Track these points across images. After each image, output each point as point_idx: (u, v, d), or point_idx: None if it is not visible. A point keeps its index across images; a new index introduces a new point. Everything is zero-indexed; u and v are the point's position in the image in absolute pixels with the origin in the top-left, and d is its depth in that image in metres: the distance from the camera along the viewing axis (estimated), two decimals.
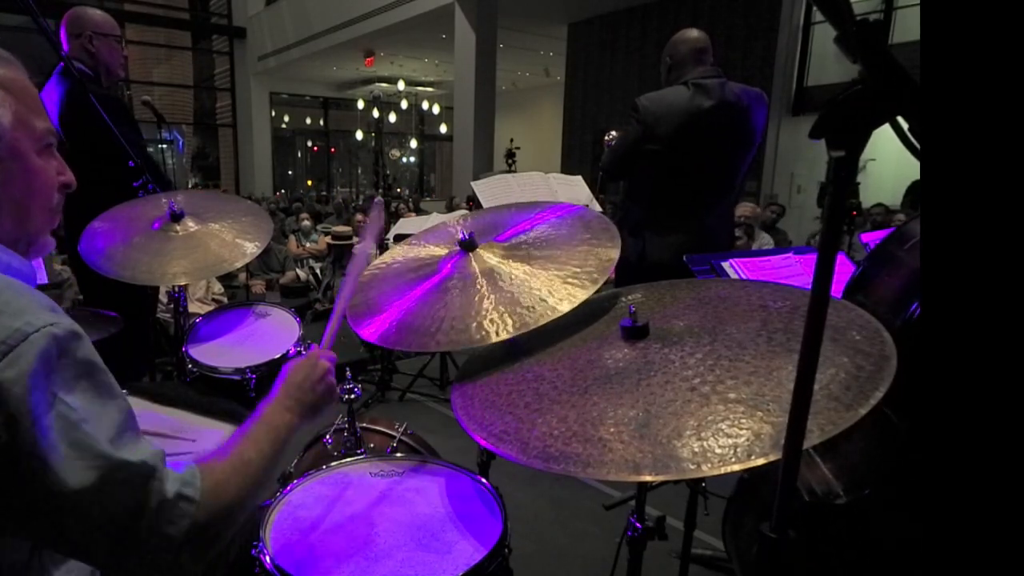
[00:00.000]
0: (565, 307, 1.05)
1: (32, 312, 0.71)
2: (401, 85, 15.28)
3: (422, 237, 1.46)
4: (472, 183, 3.17)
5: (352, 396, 1.48)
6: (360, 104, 16.42)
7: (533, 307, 1.07)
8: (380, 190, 5.04)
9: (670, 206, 2.59)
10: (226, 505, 0.79)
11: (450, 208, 8.52)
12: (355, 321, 1.23)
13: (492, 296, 1.13)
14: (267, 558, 1.00)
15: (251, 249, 1.84)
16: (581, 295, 1.07)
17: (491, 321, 1.07)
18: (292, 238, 7.49)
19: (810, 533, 1.03)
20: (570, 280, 1.11)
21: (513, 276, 1.16)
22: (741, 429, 0.76)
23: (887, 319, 0.93)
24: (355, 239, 5.62)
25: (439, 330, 1.10)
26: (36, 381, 0.68)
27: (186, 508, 0.75)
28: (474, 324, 1.08)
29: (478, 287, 1.16)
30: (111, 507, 0.71)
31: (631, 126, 2.55)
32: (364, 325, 1.21)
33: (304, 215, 7.90)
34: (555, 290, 1.09)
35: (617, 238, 1.20)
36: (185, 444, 1.41)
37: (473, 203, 6.63)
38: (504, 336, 1.04)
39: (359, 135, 17.10)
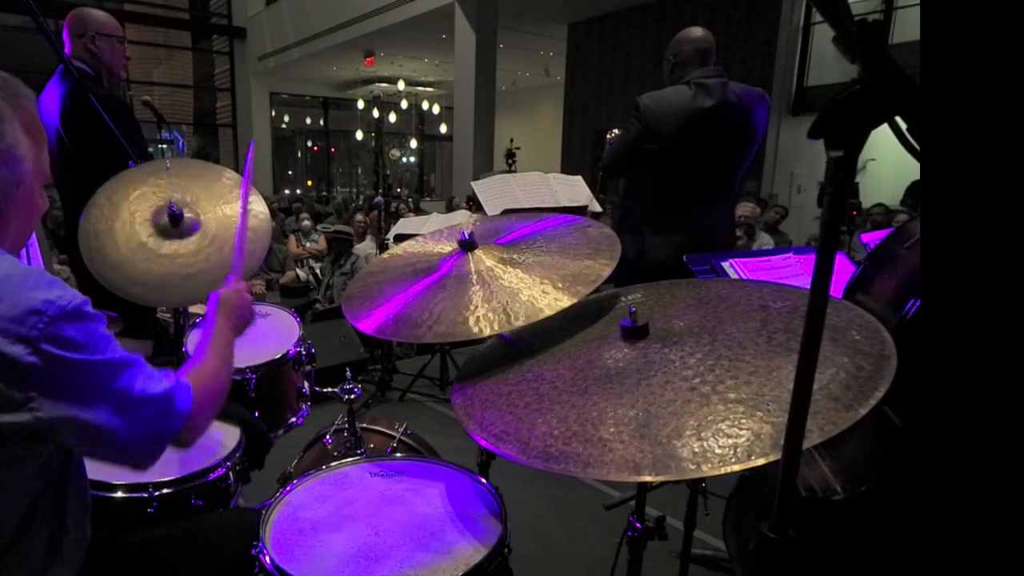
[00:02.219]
0: (548, 311, 1.07)
1: (47, 286, 0.83)
2: (401, 85, 15.27)
3: (426, 237, 1.47)
4: (472, 183, 3.17)
5: (352, 396, 1.48)
6: (360, 104, 16.42)
7: (519, 308, 1.09)
8: (380, 190, 5.03)
9: (670, 205, 2.59)
10: (209, 394, 1.02)
11: (450, 208, 8.52)
12: (353, 315, 1.24)
13: (485, 295, 1.14)
14: (267, 558, 1.00)
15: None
16: (565, 302, 1.08)
17: (481, 317, 1.09)
18: (292, 238, 7.49)
19: (807, 530, 1.03)
20: (559, 286, 1.12)
21: (506, 278, 1.17)
22: (741, 429, 0.76)
23: (885, 316, 0.93)
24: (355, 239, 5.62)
25: (435, 322, 1.11)
26: (51, 335, 0.80)
27: (185, 392, 0.95)
28: (471, 318, 1.09)
29: (473, 285, 1.17)
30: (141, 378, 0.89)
31: (632, 124, 2.55)
32: (362, 318, 1.22)
33: (304, 215, 7.90)
34: (543, 295, 1.11)
35: (616, 253, 1.20)
36: None
37: (473, 203, 6.63)
38: (493, 332, 1.06)
39: (359, 135, 17.10)
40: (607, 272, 1.14)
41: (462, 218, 3.22)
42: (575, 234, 1.30)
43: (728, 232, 2.84)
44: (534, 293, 1.11)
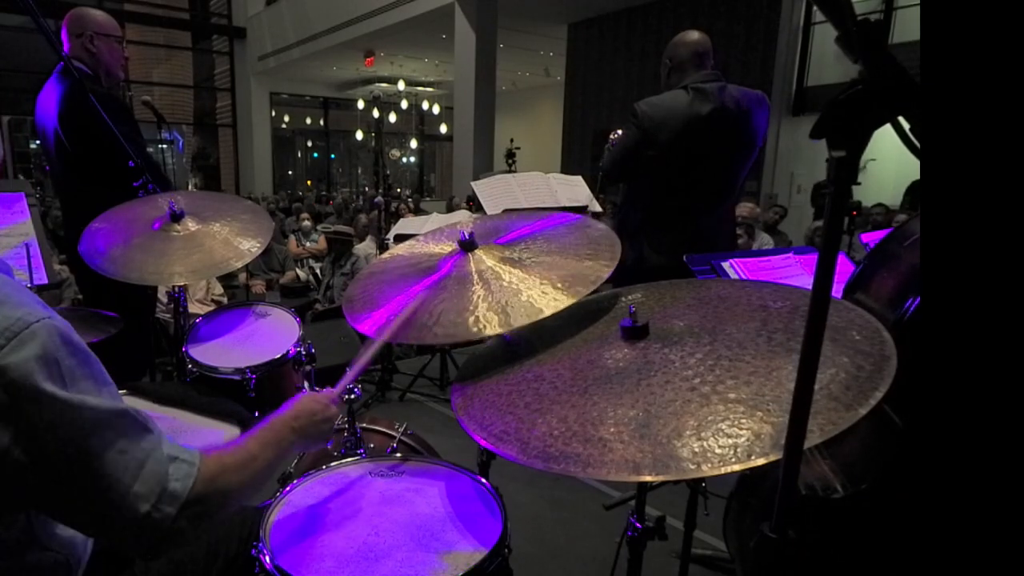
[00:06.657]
0: (548, 311, 1.07)
1: (30, 305, 0.77)
2: (401, 85, 15.27)
3: (426, 237, 1.47)
4: (472, 183, 3.17)
5: (352, 396, 1.48)
6: (360, 104, 16.42)
7: (519, 308, 1.09)
8: (380, 190, 5.03)
9: (669, 210, 2.59)
10: (225, 486, 0.87)
11: (450, 208, 8.52)
12: (353, 316, 1.24)
13: (485, 295, 1.14)
14: (267, 558, 1.00)
15: (252, 248, 1.83)
16: (565, 302, 1.08)
17: (481, 317, 1.09)
18: (292, 238, 7.49)
19: (807, 528, 1.03)
20: (558, 286, 1.12)
21: (506, 278, 1.17)
22: (741, 429, 0.76)
23: (885, 314, 0.93)
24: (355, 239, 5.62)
25: (437, 323, 1.11)
26: (39, 364, 0.74)
27: (187, 470, 0.83)
28: (471, 319, 1.09)
29: (474, 286, 1.17)
30: (118, 448, 0.78)
31: (630, 130, 2.54)
32: (362, 319, 1.22)
33: (304, 215, 7.90)
34: (543, 294, 1.11)
35: (616, 252, 1.20)
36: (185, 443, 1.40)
37: (473, 203, 6.63)
38: (494, 332, 1.06)
39: (359, 135, 17.09)
40: (608, 271, 1.15)
41: (462, 218, 3.22)
42: (576, 233, 1.30)
43: (729, 235, 2.84)
44: (534, 293, 1.11)
